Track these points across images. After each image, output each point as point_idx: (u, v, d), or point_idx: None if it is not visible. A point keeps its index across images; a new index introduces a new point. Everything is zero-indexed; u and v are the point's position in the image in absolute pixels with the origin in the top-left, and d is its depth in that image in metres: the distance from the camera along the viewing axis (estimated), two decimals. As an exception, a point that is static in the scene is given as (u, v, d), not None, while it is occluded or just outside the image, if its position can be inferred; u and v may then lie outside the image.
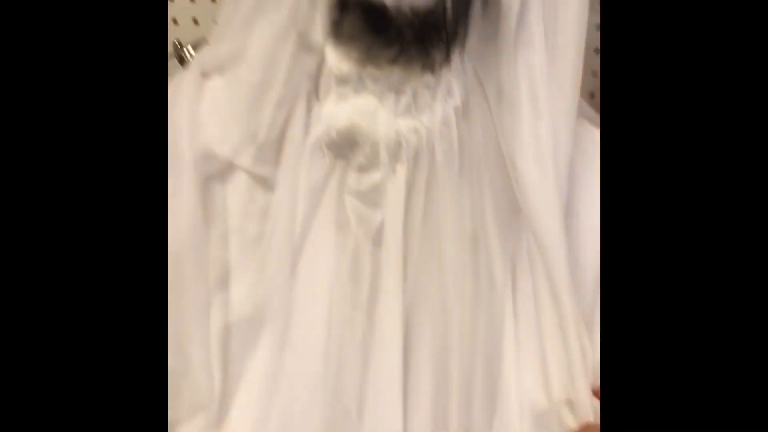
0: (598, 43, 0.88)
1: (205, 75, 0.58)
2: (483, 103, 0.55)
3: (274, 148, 0.56)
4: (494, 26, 0.52)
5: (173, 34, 0.97)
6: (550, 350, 0.53)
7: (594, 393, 0.53)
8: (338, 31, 0.53)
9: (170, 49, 0.90)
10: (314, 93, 0.56)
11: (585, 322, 0.52)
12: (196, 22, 0.97)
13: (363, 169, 0.54)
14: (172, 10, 0.96)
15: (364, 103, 0.53)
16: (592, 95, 0.92)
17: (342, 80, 0.53)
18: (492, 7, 0.52)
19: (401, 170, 0.54)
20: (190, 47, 0.89)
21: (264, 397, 0.54)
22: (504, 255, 0.55)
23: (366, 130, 0.53)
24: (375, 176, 0.54)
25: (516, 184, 0.54)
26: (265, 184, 0.57)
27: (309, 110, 0.56)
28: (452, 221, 0.54)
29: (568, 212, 0.54)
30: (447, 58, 0.53)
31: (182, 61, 0.90)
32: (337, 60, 0.53)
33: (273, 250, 0.55)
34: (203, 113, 0.56)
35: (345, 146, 0.54)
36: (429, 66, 0.52)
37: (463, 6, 0.52)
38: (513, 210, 0.55)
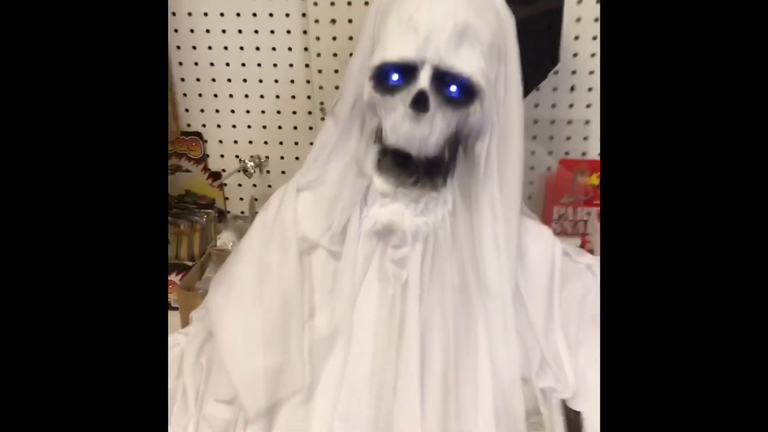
0: (532, 163, 1.29)
1: (299, 190, 0.95)
2: (462, 208, 0.93)
3: (342, 235, 0.93)
4: (471, 165, 0.91)
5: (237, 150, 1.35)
6: (509, 349, 0.90)
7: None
8: (380, 166, 0.92)
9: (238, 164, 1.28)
10: (364, 202, 0.94)
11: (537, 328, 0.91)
12: (236, 142, 1.35)
13: (396, 246, 0.91)
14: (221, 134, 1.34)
15: (397, 208, 0.91)
16: (530, 197, 1.32)
17: (384, 195, 0.91)
18: (469, 154, 0.92)
19: (418, 247, 0.91)
20: (248, 161, 1.27)
21: (336, 385, 0.89)
22: (479, 297, 0.92)
23: (399, 224, 0.90)
24: (404, 251, 0.91)
25: (480, 259, 0.92)
26: (336, 256, 0.93)
27: (361, 213, 0.93)
28: (449, 277, 0.91)
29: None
30: (444, 182, 0.92)
31: (245, 171, 1.28)
32: (381, 183, 0.91)
33: (340, 297, 0.91)
34: (300, 213, 0.93)
35: (385, 233, 0.91)
36: (435, 188, 0.91)
37: (453, 154, 0.91)
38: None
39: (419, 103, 0.84)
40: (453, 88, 0.85)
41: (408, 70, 0.85)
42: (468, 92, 0.85)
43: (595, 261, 1.01)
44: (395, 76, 0.85)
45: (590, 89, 1.21)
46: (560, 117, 1.23)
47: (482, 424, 0.87)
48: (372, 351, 0.90)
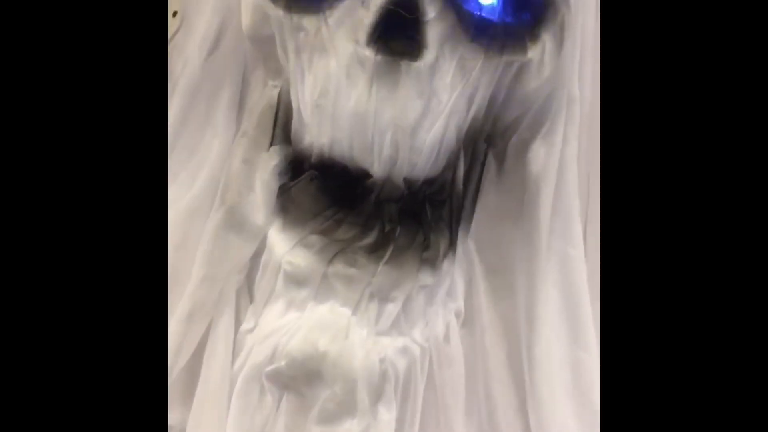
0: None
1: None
2: (492, 306, 0.38)
3: (183, 382, 0.35)
4: (515, 201, 0.37)
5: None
6: None
7: None
8: (288, 202, 0.36)
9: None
10: (247, 296, 0.37)
11: None
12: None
13: (329, 417, 0.34)
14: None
15: (331, 315, 0.35)
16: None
17: (296, 280, 0.35)
18: (512, 175, 0.37)
19: (386, 415, 0.35)
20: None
21: None
22: None
23: (335, 357, 0.34)
24: (348, 426, 0.34)
25: (533, 413, 0.37)
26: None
27: (237, 325, 0.36)
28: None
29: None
30: (451, 243, 0.36)
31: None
32: (288, 248, 0.35)
33: None
34: None
35: (300, 381, 0.34)
36: (429, 260, 0.35)
37: (474, 169, 0.36)
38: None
39: (396, 29, 0.29)
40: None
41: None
42: (525, 5, 0.31)
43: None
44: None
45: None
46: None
47: None
48: None
